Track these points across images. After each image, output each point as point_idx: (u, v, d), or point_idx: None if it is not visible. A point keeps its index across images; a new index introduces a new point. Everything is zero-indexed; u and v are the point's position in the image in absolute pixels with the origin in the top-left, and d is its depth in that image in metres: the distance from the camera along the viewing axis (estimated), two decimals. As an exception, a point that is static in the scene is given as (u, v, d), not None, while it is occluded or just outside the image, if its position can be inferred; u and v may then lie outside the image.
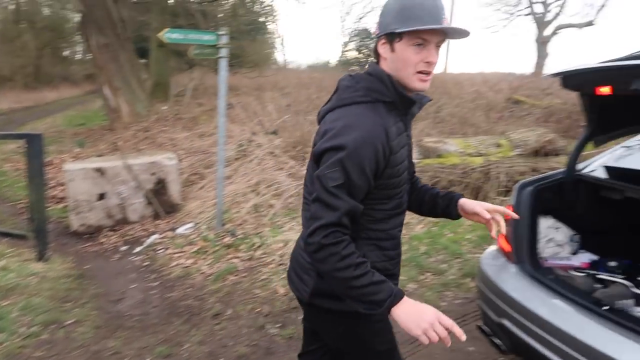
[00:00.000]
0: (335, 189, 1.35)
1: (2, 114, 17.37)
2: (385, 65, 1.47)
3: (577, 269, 2.44)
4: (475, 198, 5.42)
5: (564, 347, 1.92)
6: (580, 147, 2.48)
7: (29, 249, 4.50)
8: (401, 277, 1.83)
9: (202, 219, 5.40)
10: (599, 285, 2.26)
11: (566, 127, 8.36)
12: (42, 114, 17.20)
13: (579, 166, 2.62)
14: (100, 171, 5.31)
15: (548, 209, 2.60)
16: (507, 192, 5.48)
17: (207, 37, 4.68)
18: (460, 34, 1.42)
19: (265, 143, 7.28)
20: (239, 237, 4.93)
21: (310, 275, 1.58)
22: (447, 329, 1.31)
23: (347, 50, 44.72)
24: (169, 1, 14.23)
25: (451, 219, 1.76)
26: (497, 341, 2.40)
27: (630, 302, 2.12)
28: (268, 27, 28.80)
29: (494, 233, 1.64)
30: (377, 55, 1.50)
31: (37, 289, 3.84)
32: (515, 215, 1.73)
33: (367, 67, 1.53)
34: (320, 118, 1.56)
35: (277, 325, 3.45)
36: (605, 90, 1.91)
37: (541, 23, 28.00)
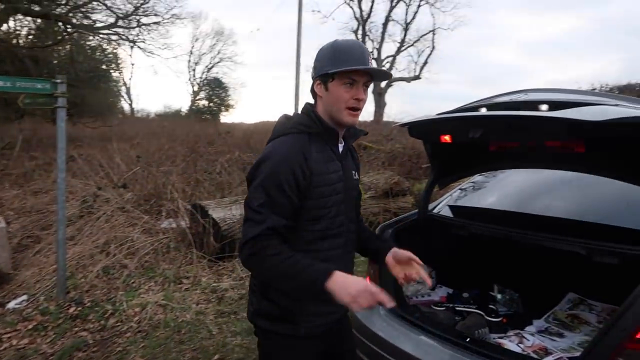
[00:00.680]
0: (259, 207, 1.52)
1: None
2: (321, 103, 1.67)
3: (437, 303, 2.60)
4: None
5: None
6: (429, 189, 2.70)
7: None
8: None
9: (39, 288, 4.69)
10: (458, 318, 2.42)
11: (408, 169, 9.19)
12: None
13: (430, 206, 2.84)
14: None
15: (407, 248, 2.75)
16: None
17: (41, 86, 4.22)
18: (384, 75, 1.71)
19: (115, 198, 6.71)
20: (86, 305, 4.36)
21: (255, 295, 1.73)
22: (375, 297, 1.43)
23: (198, 99, 44.49)
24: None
25: (374, 261, 2.06)
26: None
27: (486, 329, 2.31)
28: (112, 74, 27.36)
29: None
30: (314, 94, 1.69)
31: None
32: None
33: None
34: None
35: (139, 404, 3.08)
36: (446, 138, 2.11)
37: (377, 76, 30.95)
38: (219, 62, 44.70)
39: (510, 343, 2.25)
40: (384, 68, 1.74)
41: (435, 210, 2.84)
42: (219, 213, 5.38)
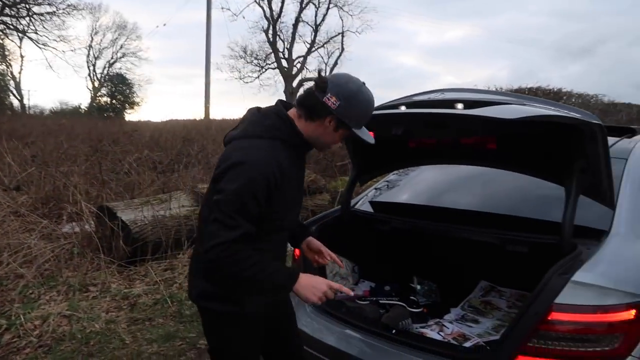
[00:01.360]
0: (233, 213, 1.58)
1: None
2: (311, 125, 1.73)
3: (360, 297, 2.64)
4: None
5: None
6: (351, 186, 2.74)
7: None
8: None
9: None
10: (382, 310, 2.48)
11: (324, 167, 9.30)
12: None
13: (352, 202, 2.88)
14: None
15: (331, 243, 2.77)
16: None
17: None
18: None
19: (7, 202, 6.11)
20: (-25, 322, 3.93)
21: (198, 278, 1.83)
22: (336, 290, 1.75)
23: (100, 96, 41.81)
24: None
25: (291, 245, 2.18)
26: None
27: (409, 320, 2.37)
28: (-4, 68, 24.90)
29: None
30: (312, 112, 1.71)
31: None
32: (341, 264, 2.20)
33: (275, 104, 1.80)
34: (227, 142, 1.77)
35: None
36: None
37: (288, 76, 31.10)
38: (122, 57, 42.41)
39: (432, 332, 2.34)
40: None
41: (357, 206, 2.89)
42: (129, 215, 5.08)
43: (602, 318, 1.67)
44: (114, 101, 41.14)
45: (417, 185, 2.90)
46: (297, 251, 2.54)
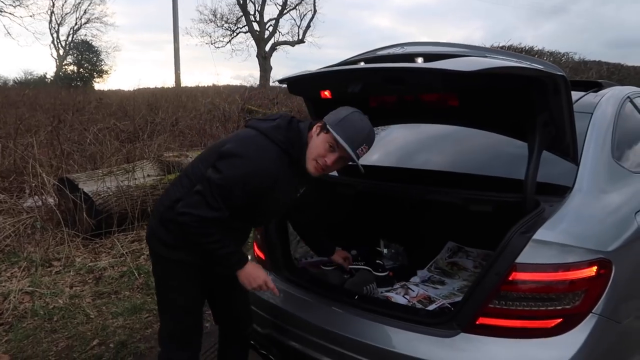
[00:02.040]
0: (219, 196, 1.76)
1: None
2: (310, 138, 1.90)
3: (326, 263, 2.58)
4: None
5: (328, 344, 1.97)
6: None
7: None
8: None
9: None
10: (347, 276, 2.42)
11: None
12: None
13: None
14: None
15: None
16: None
17: None
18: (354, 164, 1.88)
19: (-38, 177, 5.84)
20: None
21: (155, 219, 1.99)
22: (270, 288, 1.99)
23: (66, 65, 40.13)
24: None
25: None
26: (264, 352, 2.36)
27: (374, 285, 2.33)
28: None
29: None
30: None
31: None
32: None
33: (309, 123, 1.96)
34: (249, 126, 1.94)
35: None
36: (326, 94, 2.02)
37: (260, 40, 30.32)
38: (86, 23, 40.55)
39: (397, 296, 2.29)
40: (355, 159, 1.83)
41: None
42: (91, 186, 4.90)
43: (563, 276, 1.63)
44: (81, 70, 39.64)
45: (381, 146, 2.80)
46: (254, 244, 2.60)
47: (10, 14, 27.32)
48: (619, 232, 1.82)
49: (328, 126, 1.83)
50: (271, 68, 30.42)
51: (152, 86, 22.28)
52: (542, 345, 1.62)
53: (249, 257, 2.01)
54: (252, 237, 2.64)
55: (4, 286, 3.98)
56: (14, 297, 3.79)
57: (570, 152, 1.95)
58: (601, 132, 2.21)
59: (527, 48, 15.35)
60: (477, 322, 1.70)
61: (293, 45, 31.57)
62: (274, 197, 1.90)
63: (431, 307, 2.15)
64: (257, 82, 27.33)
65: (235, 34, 31.11)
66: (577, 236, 1.71)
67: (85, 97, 13.81)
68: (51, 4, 38.82)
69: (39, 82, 32.78)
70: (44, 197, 5.37)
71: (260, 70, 29.92)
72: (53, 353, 3.15)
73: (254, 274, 1.94)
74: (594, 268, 1.64)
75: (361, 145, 1.84)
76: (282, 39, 31.33)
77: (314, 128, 1.91)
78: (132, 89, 21.77)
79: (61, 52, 40.81)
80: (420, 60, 1.94)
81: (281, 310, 2.20)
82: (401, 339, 1.81)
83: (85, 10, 39.95)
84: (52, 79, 36.54)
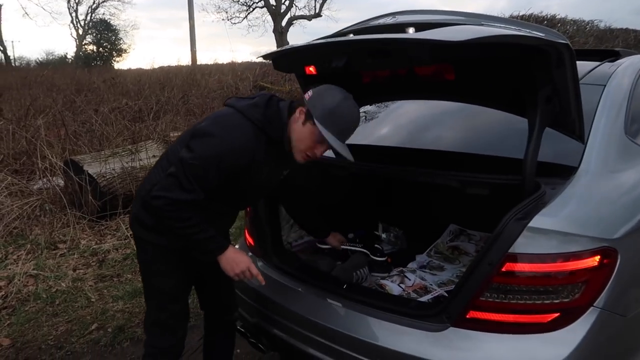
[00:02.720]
0: (193, 178, 1.68)
1: None
2: (294, 126, 1.78)
3: (321, 246, 2.48)
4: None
5: (314, 336, 1.87)
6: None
7: None
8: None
9: None
10: (339, 262, 2.30)
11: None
12: None
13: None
14: None
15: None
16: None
17: None
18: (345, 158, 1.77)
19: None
20: None
21: (137, 203, 1.94)
22: (253, 275, 1.87)
23: (85, 44, 40.30)
24: None
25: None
26: (254, 341, 2.28)
27: (365, 269, 2.20)
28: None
29: None
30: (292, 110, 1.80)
31: None
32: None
33: (288, 102, 1.85)
34: (228, 104, 1.85)
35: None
36: (311, 69, 1.88)
37: (277, 15, 29.86)
38: (104, 1, 40.53)
39: (392, 284, 2.17)
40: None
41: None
42: (95, 168, 4.86)
43: (561, 267, 1.48)
44: (100, 49, 39.83)
45: (374, 125, 2.65)
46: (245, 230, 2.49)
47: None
48: (628, 216, 1.65)
49: (316, 120, 1.69)
50: (288, 43, 30.02)
51: (171, 64, 22.23)
52: (538, 341, 1.49)
53: (233, 244, 1.93)
54: (244, 224, 2.54)
55: (9, 269, 4.00)
56: (19, 280, 3.80)
57: (576, 129, 1.77)
58: (614, 106, 2.01)
59: (548, 16, 14.66)
60: (467, 316, 1.57)
61: (310, 20, 31.02)
62: (252, 176, 1.82)
63: (425, 298, 2.02)
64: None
65: (251, 9, 30.70)
66: (579, 223, 1.56)
67: (99, 76, 13.84)
68: (68, -18, 38.85)
69: (60, 63, 33.07)
70: (52, 179, 5.37)
71: (277, 46, 29.54)
72: (52, 337, 3.14)
73: (236, 259, 1.84)
74: (597, 258, 1.49)
75: (350, 135, 1.79)
76: (298, 13, 30.81)
77: (297, 112, 1.78)
78: (151, 68, 21.82)
79: (80, 31, 40.99)
80: (411, 30, 1.77)
81: (268, 299, 2.11)
82: (387, 332, 1.70)
83: (103, -12, 39.90)
84: (72, 59, 36.84)
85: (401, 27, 1.81)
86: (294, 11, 30.66)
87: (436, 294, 2.06)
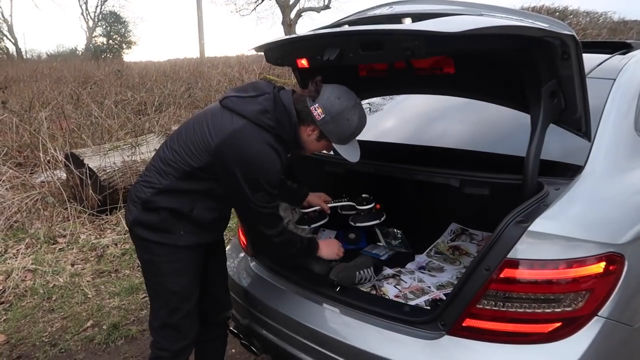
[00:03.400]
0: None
1: None
2: (300, 128, 1.80)
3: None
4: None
5: (307, 341, 1.80)
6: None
7: None
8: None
9: None
10: (335, 262, 2.22)
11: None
12: None
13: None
14: None
15: (281, 190, 2.49)
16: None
17: None
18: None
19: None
20: None
21: (136, 206, 1.84)
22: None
23: (95, 36, 40.37)
24: None
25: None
26: (246, 343, 2.21)
27: (370, 270, 2.10)
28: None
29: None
30: (299, 116, 1.77)
31: None
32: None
33: (292, 93, 1.82)
34: (229, 107, 1.77)
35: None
36: (303, 62, 1.79)
37: (285, 7, 29.64)
38: (113, -7, 40.50)
39: (388, 286, 2.09)
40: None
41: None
42: (96, 161, 4.81)
43: (564, 274, 1.39)
44: (110, 41, 39.90)
45: (371, 120, 2.54)
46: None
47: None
48: (636, 219, 1.54)
49: (334, 145, 1.83)
50: (296, 36, 29.79)
51: (180, 57, 22.16)
52: (538, 352, 1.40)
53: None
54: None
55: (8, 263, 3.98)
56: (17, 275, 3.77)
57: (583, 125, 1.67)
58: (624, 101, 1.91)
59: (560, 8, 14.37)
60: (463, 324, 1.49)
61: (319, 12, 30.74)
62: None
63: (421, 300, 1.94)
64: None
65: (260, 0, 30.51)
66: (583, 226, 1.46)
67: (107, 69, 13.81)
68: (78, -25, 38.86)
69: (70, 55, 33.17)
70: (54, 173, 5.34)
71: (286, 39, 29.33)
72: (47, 334, 3.10)
73: (329, 244, 2.10)
74: (602, 264, 1.40)
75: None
76: (307, 4, 30.60)
77: (309, 130, 1.80)
78: (160, 60, 21.77)
79: (90, 24, 41.06)
80: (408, 21, 1.68)
81: (260, 300, 2.04)
82: (380, 339, 1.62)
83: (113, -21, 39.90)
84: (82, 51, 36.92)
85: (398, 18, 1.73)
86: (302, 3, 30.52)
87: (434, 295, 1.97)
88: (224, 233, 2.12)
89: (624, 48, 2.45)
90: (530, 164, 1.58)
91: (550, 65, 1.57)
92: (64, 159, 5.02)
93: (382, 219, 2.26)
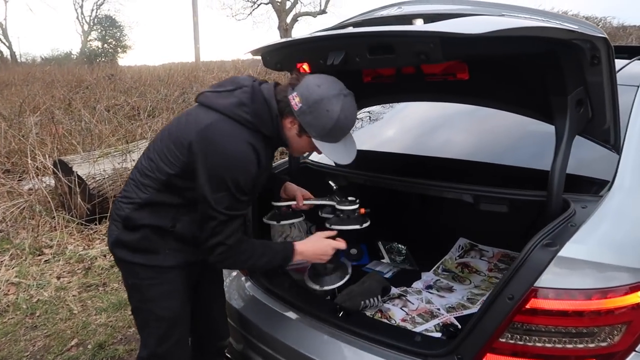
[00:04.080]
0: (226, 209, 1.51)
1: None
2: (282, 122, 1.59)
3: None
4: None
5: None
6: (301, 132, 2.23)
7: None
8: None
9: None
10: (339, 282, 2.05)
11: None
12: None
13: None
14: None
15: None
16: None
17: None
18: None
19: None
20: None
21: (116, 226, 1.68)
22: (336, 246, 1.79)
23: (90, 40, 40.08)
24: None
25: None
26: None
27: (377, 299, 1.93)
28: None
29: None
30: (279, 107, 1.57)
31: None
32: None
33: (274, 87, 1.63)
34: (205, 103, 1.61)
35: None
36: (305, 67, 1.63)
37: (282, 12, 29.56)
38: (109, -3, 40.30)
39: (394, 307, 1.94)
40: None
41: (311, 157, 2.40)
42: (85, 169, 4.64)
43: (598, 305, 1.23)
44: (105, 45, 39.64)
45: (375, 129, 2.40)
46: None
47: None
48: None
49: (314, 140, 1.59)
50: (292, 41, 29.68)
51: (176, 61, 21.98)
52: (569, 394, 1.25)
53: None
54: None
55: (-8, 275, 3.78)
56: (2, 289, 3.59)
57: (611, 137, 1.53)
58: (651, 111, 1.77)
59: (560, 13, 14.30)
60: (483, 360, 1.33)
61: (315, 17, 30.67)
62: (261, 177, 1.64)
63: (430, 325, 1.78)
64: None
65: (256, 5, 30.40)
66: (617, 250, 1.32)
67: (100, 73, 13.63)
68: (72, -22, 38.65)
69: (64, 59, 32.87)
70: (42, 180, 5.16)
71: (281, 44, 29.22)
72: (29, 354, 2.92)
73: (311, 245, 1.75)
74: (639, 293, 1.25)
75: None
76: (303, 9, 30.48)
77: (289, 123, 1.59)
78: (155, 65, 21.58)
79: (85, 27, 40.79)
80: (419, 22, 1.53)
81: (255, 325, 1.87)
82: (388, 373, 1.46)
83: (108, -16, 39.67)
84: (77, 55, 36.62)
85: (408, 19, 1.58)
86: (299, 8, 30.34)
87: (444, 319, 1.82)
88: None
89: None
90: (555, 179, 1.43)
91: (577, 71, 1.42)
92: (51, 167, 4.83)
93: (365, 225, 1.95)
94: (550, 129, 1.53)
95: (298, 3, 30.15)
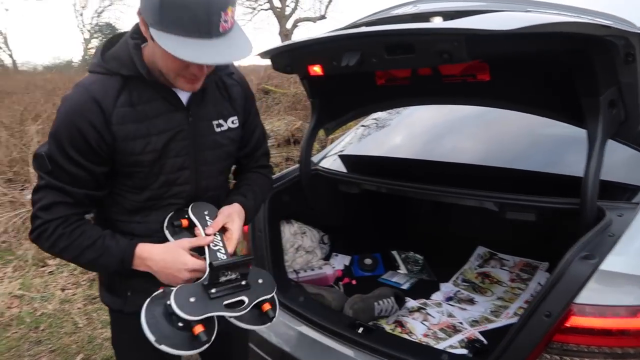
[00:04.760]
0: (41, 171, 1.17)
1: None
2: (150, 47, 1.16)
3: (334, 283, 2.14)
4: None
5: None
6: (311, 139, 2.14)
7: None
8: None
9: None
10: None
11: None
12: None
13: (318, 157, 2.33)
14: None
15: (290, 213, 2.25)
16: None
17: None
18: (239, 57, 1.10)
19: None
20: None
21: None
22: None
23: (90, 48, 40.21)
24: None
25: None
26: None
27: (391, 300, 1.85)
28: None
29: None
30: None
31: None
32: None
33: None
34: None
35: None
36: (317, 69, 1.54)
37: (282, 17, 29.55)
38: (109, 5, 40.49)
39: (413, 321, 1.84)
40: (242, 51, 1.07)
41: (322, 163, 2.31)
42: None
43: (644, 323, 1.14)
44: (107, 53, 39.76)
45: (391, 134, 2.31)
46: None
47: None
48: None
49: (151, 31, 1.06)
50: (293, 45, 29.64)
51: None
52: (613, 419, 1.15)
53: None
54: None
55: (-6, 288, 3.70)
56: (2, 302, 3.50)
57: (646, 140, 1.44)
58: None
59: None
60: (518, 383, 1.23)
61: (315, 22, 30.62)
62: (135, 145, 1.18)
63: (454, 340, 1.69)
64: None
65: (256, 11, 30.40)
66: (663, 263, 1.22)
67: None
68: (74, -14, 38.79)
69: (65, 67, 32.95)
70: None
71: (283, 49, 29.19)
72: (32, 370, 2.83)
73: (167, 264, 1.19)
74: (689, 310, 1.15)
75: (214, 20, 1.04)
76: (303, 15, 30.45)
77: (141, 25, 1.13)
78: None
79: (86, 35, 40.95)
80: (438, 20, 1.45)
81: (266, 341, 1.78)
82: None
83: (108, -9, 39.80)
84: (78, 63, 36.74)
85: (425, 17, 1.50)
86: (299, 13, 30.34)
87: (469, 334, 1.72)
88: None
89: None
90: (589, 185, 1.34)
91: (610, 70, 1.33)
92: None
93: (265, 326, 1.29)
94: (574, 131, 1.44)
95: (298, 8, 30.16)
